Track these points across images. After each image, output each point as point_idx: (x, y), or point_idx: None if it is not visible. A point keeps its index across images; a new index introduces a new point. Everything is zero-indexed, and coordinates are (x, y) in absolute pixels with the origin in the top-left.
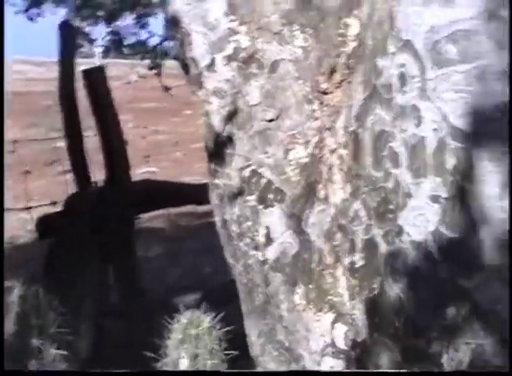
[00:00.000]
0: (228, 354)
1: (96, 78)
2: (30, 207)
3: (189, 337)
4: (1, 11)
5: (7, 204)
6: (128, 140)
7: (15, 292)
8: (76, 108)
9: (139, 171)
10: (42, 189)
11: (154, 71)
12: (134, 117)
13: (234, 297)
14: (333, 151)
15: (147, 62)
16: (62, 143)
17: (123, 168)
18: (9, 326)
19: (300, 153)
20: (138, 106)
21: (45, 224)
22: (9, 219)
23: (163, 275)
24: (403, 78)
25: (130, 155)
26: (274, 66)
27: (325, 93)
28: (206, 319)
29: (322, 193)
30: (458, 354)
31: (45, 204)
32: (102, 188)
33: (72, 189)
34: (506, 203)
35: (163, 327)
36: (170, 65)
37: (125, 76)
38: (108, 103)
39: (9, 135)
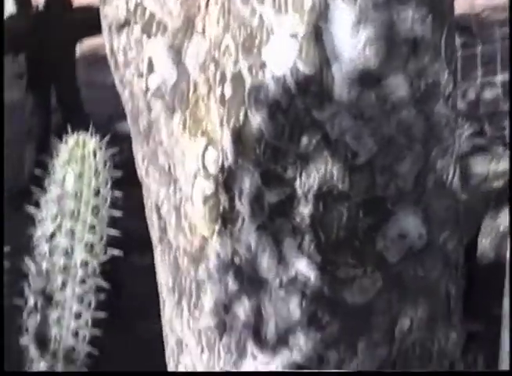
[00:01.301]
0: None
1: None
2: None
3: (75, 157)
4: (0, 12)
5: None
6: None
7: None
8: None
9: None
10: None
11: None
12: None
13: None
14: None
15: None
16: None
17: None
18: None
19: None
20: None
21: None
22: None
23: (107, 103)
24: None
25: None
26: None
27: None
28: (91, 141)
29: (200, 26)
30: (309, 179)
31: None
32: (42, 12)
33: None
34: (356, 41)
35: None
36: None
37: None
38: None
39: None
